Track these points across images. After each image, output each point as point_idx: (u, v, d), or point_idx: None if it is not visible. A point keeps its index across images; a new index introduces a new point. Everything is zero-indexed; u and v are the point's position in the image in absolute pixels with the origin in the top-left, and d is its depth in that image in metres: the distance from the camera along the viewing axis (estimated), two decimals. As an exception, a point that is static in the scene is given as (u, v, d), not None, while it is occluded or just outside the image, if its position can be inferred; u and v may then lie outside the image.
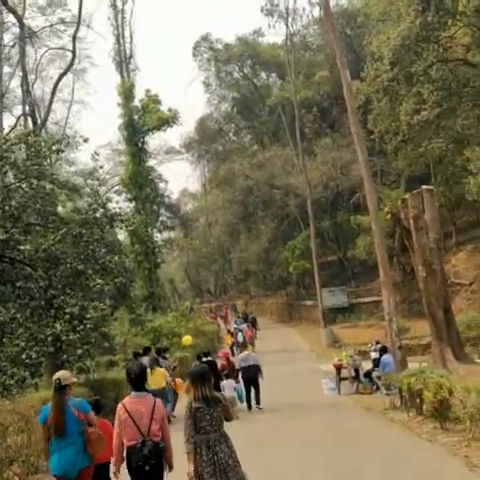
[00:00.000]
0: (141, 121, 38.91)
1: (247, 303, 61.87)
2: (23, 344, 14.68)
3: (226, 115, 64.69)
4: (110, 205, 17.23)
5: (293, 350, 35.25)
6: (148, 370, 14.74)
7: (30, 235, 16.06)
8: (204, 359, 17.78)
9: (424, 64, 29.02)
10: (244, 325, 40.01)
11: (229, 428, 7.10)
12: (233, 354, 31.57)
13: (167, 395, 16.18)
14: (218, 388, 15.04)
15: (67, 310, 14.97)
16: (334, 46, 16.72)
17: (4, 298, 15.99)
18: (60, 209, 18.62)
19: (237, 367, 18.59)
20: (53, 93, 37.87)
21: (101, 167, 17.36)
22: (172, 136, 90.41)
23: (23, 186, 16.20)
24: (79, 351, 15.18)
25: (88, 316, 15.28)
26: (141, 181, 38.41)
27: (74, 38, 39.08)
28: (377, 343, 21.39)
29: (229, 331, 37.64)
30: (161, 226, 45.58)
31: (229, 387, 17.14)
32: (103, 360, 27.02)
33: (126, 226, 17.64)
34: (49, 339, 14.91)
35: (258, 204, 53.25)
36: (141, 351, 17.70)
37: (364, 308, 44.81)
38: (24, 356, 14.42)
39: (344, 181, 44.46)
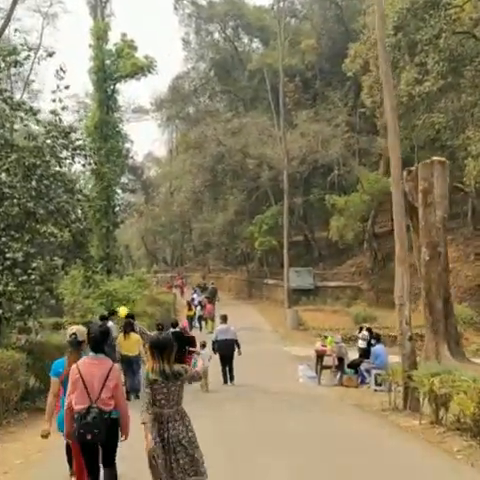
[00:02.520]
0: (114, 67, 35.40)
1: (205, 276, 59.38)
2: None
3: (203, 76, 61.37)
4: (74, 136, 14.17)
5: (254, 329, 32.80)
6: (121, 335, 14.70)
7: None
8: (172, 330, 16.66)
9: (431, 32, 26.53)
10: (203, 296, 37.68)
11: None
12: (191, 328, 29.29)
13: (140, 363, 14.99)
14: (181, 360, 13.21)
15: (8, 255, 12.03)
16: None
17: None
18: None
19: (213, 339, 17.66)
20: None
21: (66, 87, 14.21)
22: (142, 95, 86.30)
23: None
24: (19, 307, 12.28)
25: (34, 265, 12.38)
26: (107, 132, 35.05)
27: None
28: (368, 330, 18.87)
29: (188, 303, 35.11)
30: (122, 187, 42.61)
31: (206, 357, 15.40)
32: (49, 322, 24.92)
33: (90, 163, 14.62)
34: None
35: (228, 173, 50.38)
36: (107, 314, 16.83)
37: (329, 292, 42.92)
38: None
39: (323, 156, 42.00)
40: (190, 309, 33.90)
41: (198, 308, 33.82)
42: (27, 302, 12.07)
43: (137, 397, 14.21)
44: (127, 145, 42.91)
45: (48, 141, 13.72)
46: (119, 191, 38.21)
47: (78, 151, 14.09)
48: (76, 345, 7.10)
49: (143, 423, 6.24)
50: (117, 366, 6.91)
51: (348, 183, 45.18)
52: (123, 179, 45.41)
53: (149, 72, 35.69)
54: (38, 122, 14.19)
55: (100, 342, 6.69)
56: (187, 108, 62.81)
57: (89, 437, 6.29)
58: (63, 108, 14.11)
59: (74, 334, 7.12)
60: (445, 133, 31.00)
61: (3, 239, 12.22)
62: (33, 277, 12.12)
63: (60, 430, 7.01)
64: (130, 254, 73.29)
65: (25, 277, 12.06)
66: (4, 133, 13.90)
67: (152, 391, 6.29)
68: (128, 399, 13.64)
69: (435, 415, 10.58)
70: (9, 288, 11.95)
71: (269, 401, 14.36)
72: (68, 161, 14.27)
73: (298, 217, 49.65)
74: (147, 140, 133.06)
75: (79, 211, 14.38)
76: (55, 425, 7.14)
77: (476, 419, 8.82)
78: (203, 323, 33.56)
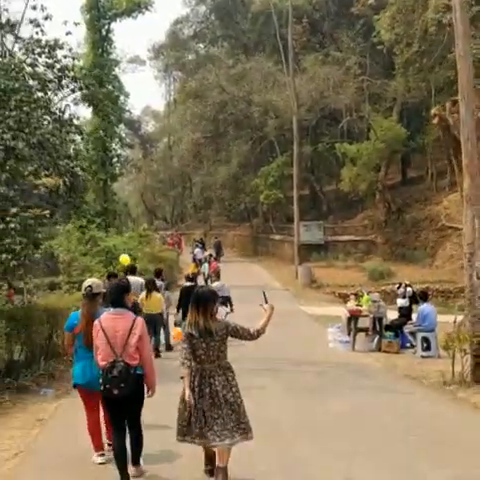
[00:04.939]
0: (108, 3, 32.48)
1: (206, 233, 57.06)
2: None
3: (203, 20, 57.88)
4: (60, 53, 11.56)
5: (263, 287, 30.54)
6: (144, 293, 14.60)
7: None
8: (188, 283, 16.28)
9: None
10: (207, 253, 35.48)
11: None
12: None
13: (163, 321, 15.40)
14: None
15: (-20, 198, 9.58)
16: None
17: None
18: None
19: None
20: None
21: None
22: (138, 47, 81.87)
23: None
24: (-6, 262, 9.85)
25: (14, 211, 9.92)
26: (101, 75, 32.22)
27: None
28: (407, 286, 16.44)
29: (194, 260, 32.87)
30: (120, 141, 39.90)
31: (221, 314, 13.31)
32: (46, 282, 23.25)
33: (81, 88, 12.02)
34: None
35: (231, 123, 47.63)
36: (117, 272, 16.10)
37: (340, 247, 40.64)
38: None
39: (334, 102, 39.31)
40: (196, 266, 31.62)
41: (205, 265, 31.43)
42: (5, 256, 9.65)
43: (169, 349, 15.02)
44: (123, 97, 39.87)
45: (28, 60, 11.13)
46: (116, 141, 35.43)
47: (66, 72, 11.52)
48: (91, 297, 7.09)
49: (181, 377, 6.25)
50: (141, 319, 6.54)
51: (359, 131, 42.55)
52: (120, 132, 42.58)
53: (146, 9, 32.68)
54: (17, 39, 11.59)
55: (119, 296, 6.51)
56: (186, 55, 59.48)
57: (116, 392, 6.16)
58: (46, 18, 11.49)
59: (89, 286, 7.13)
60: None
61: (-26, 179, 9.76)
62: (12, 226, 9.67)
63: (75, 383, 7.09)
64: (129, 212, 71.04)
65: (2, 226, 9.62)
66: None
67: (191, 346, 6.16)
68: (158, 356, 14.24)
69: None
70: (-17, 239, 9.56)
71: (302, 373, 12.18)
72: (53, 85, 11.68)
73: (305, 169, 46.99)
74: (144, 94, 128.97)
75: (70, 146, 11.87)
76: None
77: None
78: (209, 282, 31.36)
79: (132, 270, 15.62)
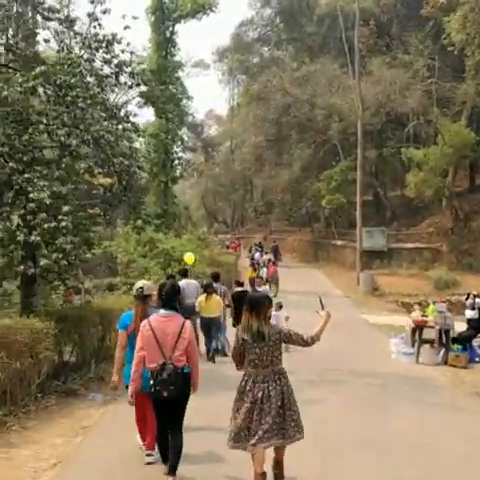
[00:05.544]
0: (173, 5, 32.44)
1: (266, 238, 56.60)
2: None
3: (268, 23, 57.47)
4: (117, 48, 11.18)
5: (323, 294, 29.81)
6: (203, 296, 14.46)
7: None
8: (238, 289, 16.24)
9: None
10: (265, 257, 34.99)
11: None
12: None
13: (221, 325, 15.17)
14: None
15: (32, 195, 9.26)
16: None
17: None
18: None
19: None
20: None
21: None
22: (202, 50, 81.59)
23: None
24: (44, 262, 9.50)
25: (65, 209, 9.59)
26: (165, 78, 32.25)
27: None
28: (476, 297, 15.52)
29: (252, 264, 32.38)
30: (182, 144, 39.80)
31: (279, 319, 14.76)
32: (105, 282, 23.93)
33: (138, 84, 11.64)
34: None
35: (294, 126, 46.92)
36: (175, 274, 15.89)
37: (404, 254, 39.35)
38: None
39: (400, 105, 38.21)
40: (254, 270, 31.12)
41: (263, 270, 30.92)
42: (56, 255, 9.32)
43: (225, 355, 14.40)
44: (186, 100, 39.78)
45: (85, 55, 10.82)
46: (178, 143, 35.38)
47: (124, 67, 11.16)
48: (142, 299, 7.14)
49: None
50: (189, 322, 6.61)
51: (426, 135, 41.32)
52: (182, 135, 42.56)
53: (211, 10, 32.57)
54: (75, 34, 11.30)
55: (171, 298, 6.58)
56: (250, 58, 59.23)
57: (165, 394, 6.22)
58: (104, 11, 11.18)
59: (141, 288, 7.19)
60: None
61: (26, 175, 9.44)
62: (63, 224, 9.33)
63: (127, 384, 6.96)
64: (189, 215, 71.32)
65: (53, 224, 9.30)
66: (34, 45, 11.20)
67: (245, 350, 6.16)
68: (213, 361, 14.17)
69: None
70: (32, 238, 9.21)
71: (363, 386, 11.49)
72: (110, 80, 11.34)
73: (369, 173, 45.97)
74: (208, 98, 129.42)
75: (125, 142, 11.50)
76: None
77: None
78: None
79: (184, 273, 15.45)
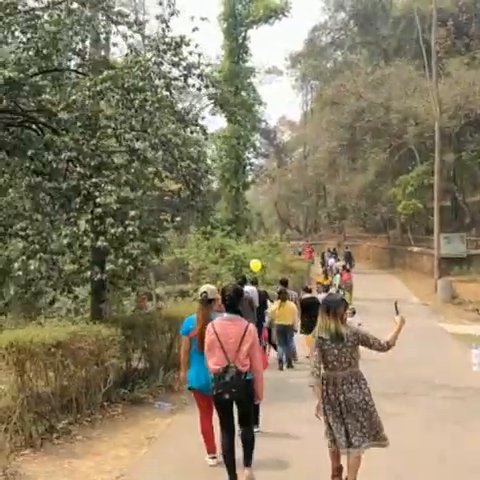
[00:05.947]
0: (245, 11, 32.41)
1: (340, 244, 55.89)
2: (21, 245, 9.15)
3: (342, 27, 56.88)
4: (186, 50, 10.97)
5: (399, 301, 28.91)
6: (277, 302, 14.54)
7: (58, 82, 10.26)
8: (307, 295, 15.96)
9: None
10: (339, 263, 34.35)
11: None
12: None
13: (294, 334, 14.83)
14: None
15: (100, 200, 9.15)
16: None
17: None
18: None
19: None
20: None
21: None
22: (275, 56, 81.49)
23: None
24: (109, 267, 9.39)
25: (132, 214, 9.45)
26: (237, 83, 32.19)
27: None
28: None
29: (325, 271, 31.83)
30: (254, 150, 39.66)
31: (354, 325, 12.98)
32: (177, 289, 24.11)
33: (207, 86, 11.42)
34: (65, 242, 9.23)
35: (368, 130, 46.07)
36: (243, 280, 14.89)
37: (485, 261, 37.85)
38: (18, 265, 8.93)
39: (480, 107, 36.89)
40: (326, 277, 30.53)
41: (337, 276, 30.31)
42: (121, 261, 9.19)
43: (290, 366, 14.27)
44: (259, 106, 39.69)
45: (153, 58, 10.69)
46: (250, 149, 35.29)
47: (193, 70, 10.97)
48: (206, 303, 7.23)
49: (310, 386, 6.28)
50: (252, 325, 6.63)
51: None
52: (255, 141, 42.39)
53: (283, 15, 32.29)
54: (143, 37, 11.21)
55: (235, 302, 6.62)
56: (324, 63, 58.73)
57: (227, 396, 6.30)
58: (172, 13, 11.03)
59: (205, 292, 7.29)
60: None
61: (93, 180, 9.36)
62: (130, 229, 9.21)
63: (190, 386, 7.23)
64: (262, 221, 71.22)
65: (121, 229, 9.18)
66: (100, 50, 11.18)
67: (322, 352, 6.15)
68: (280, 369, 14.04)
69: None
70: (99, 243, 9.11)
71: (441, 400, 10.81)
72: (178, 83, 11.17)
73: (447, 178, 44.57)
74: (281, 104, 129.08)
75: (194, 146, 11.31)
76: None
77: None
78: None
79: (243, 282, 14.98)
